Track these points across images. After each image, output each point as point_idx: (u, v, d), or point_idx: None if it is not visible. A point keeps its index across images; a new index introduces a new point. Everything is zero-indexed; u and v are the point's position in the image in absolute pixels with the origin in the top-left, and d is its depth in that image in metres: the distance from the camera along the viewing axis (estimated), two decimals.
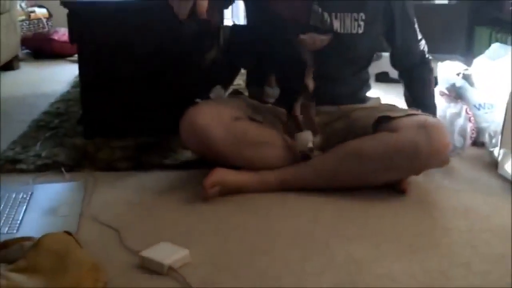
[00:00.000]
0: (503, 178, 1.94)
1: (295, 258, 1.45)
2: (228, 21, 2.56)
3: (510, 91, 1.98)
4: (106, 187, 1.87)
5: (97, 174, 1.96)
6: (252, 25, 2.03)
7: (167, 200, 1.78)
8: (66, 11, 2.20)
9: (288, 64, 1.88)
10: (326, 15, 1.84)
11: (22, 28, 4.18)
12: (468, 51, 3.70)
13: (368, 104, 2.00)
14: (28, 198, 1.73)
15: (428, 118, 1.79)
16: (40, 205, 1.70)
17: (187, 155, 2.08)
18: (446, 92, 2.33)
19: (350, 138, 1.82)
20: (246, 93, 2.11)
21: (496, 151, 2.04)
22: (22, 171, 2.00)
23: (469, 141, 2.17)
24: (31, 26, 4.37)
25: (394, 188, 1.82)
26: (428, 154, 1.72)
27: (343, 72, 1.92)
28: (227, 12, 2.15)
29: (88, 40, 2.21)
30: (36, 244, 1.30)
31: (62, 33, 4.02)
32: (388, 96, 2.60)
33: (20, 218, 1.61)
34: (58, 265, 1.25)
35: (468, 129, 2.20)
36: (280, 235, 1.57)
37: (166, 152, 2.11)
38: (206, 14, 1.66)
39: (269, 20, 1.92)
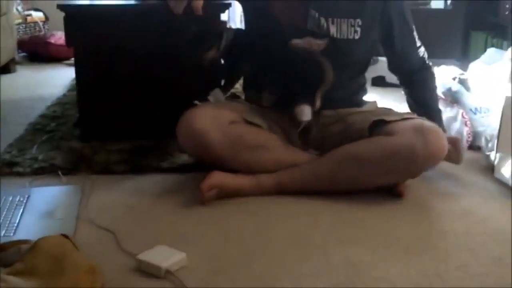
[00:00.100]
0: (500, 181, 1.95)
1: (292, 261, 1.45)
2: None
3: (505, 95, 1.99)
4: (103, 190, 1.87)
5: (94, 177, 1.96)
6: (249, 30, 2.03)
7: (164, 203, 1.78)
8: (62, 14, 2.19)
9: (285, 67, 1.89)
10: (323, 20, 1.85)
11: (19, 31, 4.18)
12: (464, 55, 3.71)
13: (365, 108, 2.00)
14: (25, 201, 1.72)
15: (424, 121, 1.79)
16: (37, 208, 1.70)
17: (184, 158, 2.08)
18: (442, 96, 2.33)
19: (346, 142, 1.83)
20: (243, 97, 2.11)
21: (492, 155, 2.05)
22: (19, 174, 1.99)
23: (465, 145, 2.17)
24: (27, 29, 4.37)
25: (391, 192, 1.83)
26: (425, 157, 1.72)
27: (339, 77, 1.93)
28: (223, 17, 2.15)
29: (85, 43, 2.21)
30: (33, 247, 1.29)
31: (58, 37, 4.02)
32: (385, 100, 2.60)
33: (17, 221, 1.61)
34: (55, 268, 1.25)
35: (465, 133, 2.21)
36: (277, 238, 1.58)
37: (163, 155, 2.11)
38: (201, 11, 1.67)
39: (266, 24, 1.92)
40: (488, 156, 2.10)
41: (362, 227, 1.65)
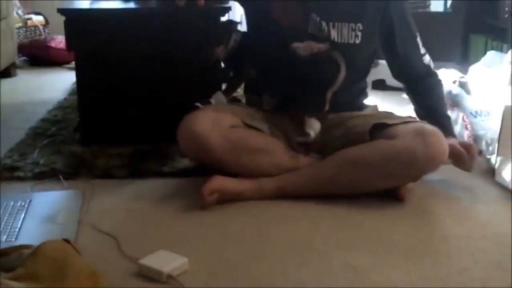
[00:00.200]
0: (500, 185, 1.95)
1: (293, 264, 1.46)
2: None
3: (506, 98, 1.99)
4: (104, 194, 1.87)
5: (95, 182, 1.96)
6: (251, 33, 2.04)
7: (165, 208, 1.78)
8: (63, 18, 2.20)
9: (286, 70, 1.89)
10: (324, 23, 1.85)
11: (19, 35, 4.18)
12: (464, 58, 3.72)
13: (366, 111, 2.00)
14: (26, 206, 1.72)
15: (425, 125, 1.79)
16: (39, 213, 1.70)
17: (184, 162, 2.08)
18: None
19: (347, 145, 1.83)
20: (244, 100, 2.11)
21: (493, 158, 2.05)
22: (20, 178, 1.99)
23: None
24: (28, 33, 4.37)
25: (392, 195, 1.82)
26: (425, 161, 1.72)
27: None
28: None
29: (85, 47, 2.21)
30: (34, 252, 1.29)
31: (59, 40, 4.02)
32: (385, 103, 2.61)
33: (18, 226, 1.61)
34: (57, 273, 1.25)
35: (465, 137, 2.21)
36: (277, 242, 1.58)
37: (163, 160, 2.11)
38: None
39: (267, 27, 1.93)
40: (488, 160, 2.10)
41: (363, 230, 1.65)
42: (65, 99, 3.07)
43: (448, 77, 2.47)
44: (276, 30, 1.90)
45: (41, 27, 4.44)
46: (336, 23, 1.86)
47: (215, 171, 1.80)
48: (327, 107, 1.89)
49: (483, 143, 2.19)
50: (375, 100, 2.20)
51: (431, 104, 2.01)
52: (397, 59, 2.00)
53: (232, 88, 2.16)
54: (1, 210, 1.69)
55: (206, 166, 1.87)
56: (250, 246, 1.56)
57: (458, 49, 3.80)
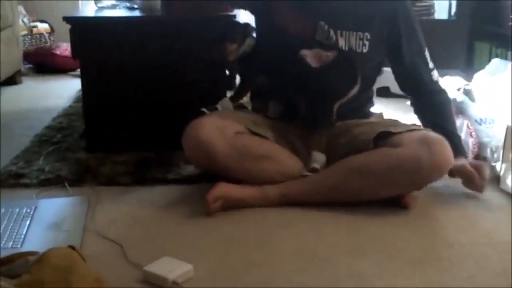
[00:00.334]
0: (505, 192, 1.95)
1: (297, 271, 1.46)
2: None
3: (510, 105, 1.99)
4: (109, 201, 1.88)
5: (100, 189, 1.97)
6: (260, 40, 2.04)
7: (170, 215, 1.79)
8: (68, 26, 2.21)
9: (293, 78, 1.90)
10: (331, 32, 1.86)
11: (25, 42, 4.21)
12: (468, 66, 3.71)
13: (371, 119, 2.00)
14: (32, 213, 1.73)
15: (430, 133, 1.79)
16: (44, 220, 1.70)
17: (189, 169, 2.09)
18: None
19: (352, 153, 1.83)
20: (250, 107, 2.12)
21: (498, 165, 2.05)
22: (25, 185, 2.00)
23: (471, 156, 2.17)
24: (33, 40, 4.40)
25: (397, 203, 1.82)
26: (430, 169, 1.72)
27: None
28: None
29: (90, 55, 2.23)
30: (40, 258, 1.30)
31: (64, 48, 4.05)
32: (390, 110, 2.61)
33: (24, 232, 1.61)
34: (62, 280, 1.25)
35: (470, 144, 2.21)
36: (281, 249, 1.58)
37: (168, 167, 2.12)
38: None
39: (274, 34, 1.93)
40: (493, 167, 2.10)
41: (367, 237, 1.65)
42: (70, 106, 3.08)
43: (452, 85, 2.47)
44: (284, 37, 1.91)
45: (46, 35, 4.47)
46: (344, 32, 1.87)
47: (220, 178, 1.81)
48: (334, 118, 1.89)
49: (488, 150, 2.19)
50: (379, 107, 2.20)
51: (441, 124, 1.95)
52: (404, 70, 2.00)
53: (239, 95, 2.17)
54: (7, 217, 1.69)
55: (211, 173, 1.87)
56: (254, 252, 1.56)
57: (462, 57, 3.80)
